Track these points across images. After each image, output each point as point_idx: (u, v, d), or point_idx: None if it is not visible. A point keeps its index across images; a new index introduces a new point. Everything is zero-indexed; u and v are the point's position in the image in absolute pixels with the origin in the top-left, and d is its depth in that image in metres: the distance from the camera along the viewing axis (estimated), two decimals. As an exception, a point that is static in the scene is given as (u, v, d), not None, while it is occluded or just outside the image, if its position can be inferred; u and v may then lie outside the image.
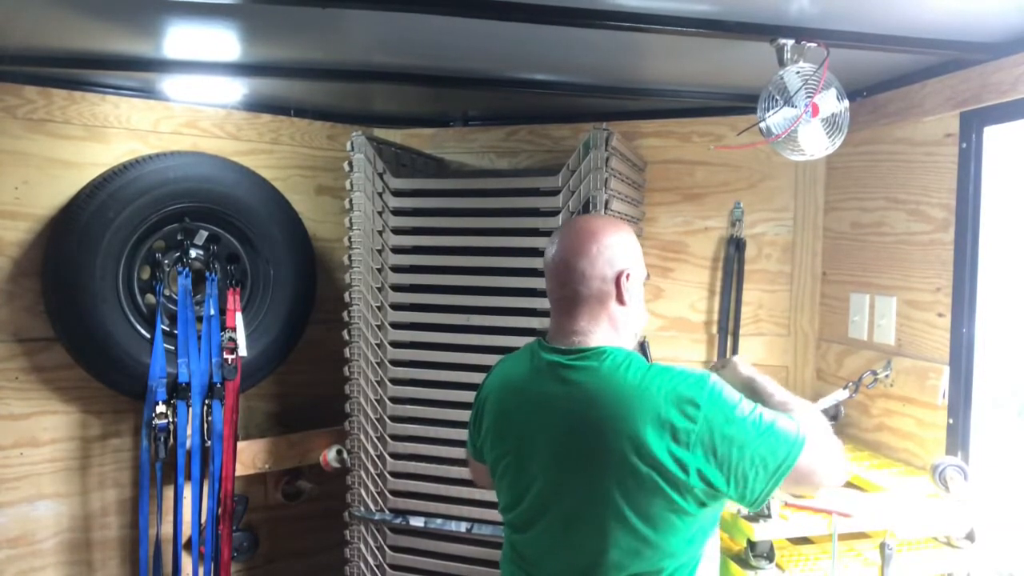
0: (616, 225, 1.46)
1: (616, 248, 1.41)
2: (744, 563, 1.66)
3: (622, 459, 1.28)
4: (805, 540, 1.81)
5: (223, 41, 2.00)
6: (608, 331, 1.40)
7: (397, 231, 2.29)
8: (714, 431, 1.26)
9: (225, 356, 2.50)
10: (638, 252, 1.46)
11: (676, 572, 1.34)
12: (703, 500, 1.29)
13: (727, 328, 2.58)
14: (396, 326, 2.31)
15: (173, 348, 2.44)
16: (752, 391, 1.45)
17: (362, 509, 2.37)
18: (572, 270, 1.40)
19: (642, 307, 1.48)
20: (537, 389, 1.41)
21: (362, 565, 2.39)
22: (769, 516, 1.63)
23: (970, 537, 1.76)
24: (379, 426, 2.34)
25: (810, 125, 1.64)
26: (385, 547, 2.37)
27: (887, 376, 2.11)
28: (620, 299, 1.40)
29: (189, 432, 2.48)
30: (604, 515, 1.31)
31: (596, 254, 1.39)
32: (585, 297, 1.39)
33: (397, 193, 2.28)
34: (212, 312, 2.48)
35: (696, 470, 1.25)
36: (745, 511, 1.65)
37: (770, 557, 1.66)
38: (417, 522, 2.31)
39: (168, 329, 2.44)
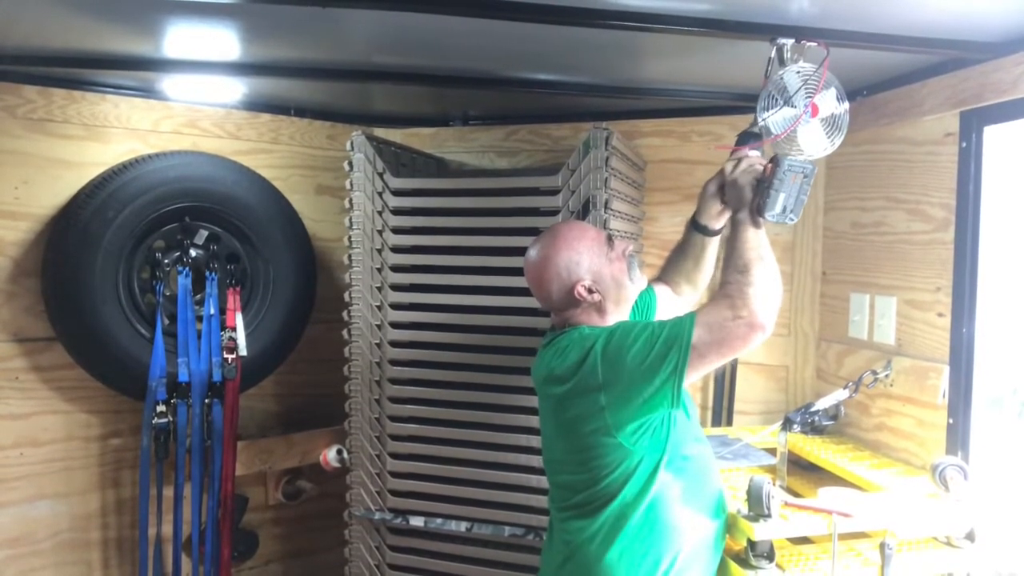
0: (553, 244, 1.62)
1: (560, 269, 1.60)
2: (744, 563, 1.66)
3: None
4: (805, 540, 1.81)
5: (223, 40, 2.00)
6: (593, 317, 1.62)
7: (397, 231, 2.29)
8: None
9: (225, 356, 2.50)
10: (585, 252, 1.60)
11: None
12: None
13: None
14: (396, 326, 2.31)
15: (173, 348, 2.44)
16: None
17: (362, 509, 2.37)
18: (540, 298, 1.66)
19: (623, 281, 1.62)
20: None
21: (361, 565, 2.39)
22: (769, 516, 1.63)
23: (970, 537, 1.76)
24: (379, 425, 2.34)
25: (810, 125, 1.63)
26: (385, 547, 2.36)
27: (887, 376, 2.10)
28: (587, 301, 1.60)
29: (189, 432, 2.48)
30: None
31: (548, 281, 1.61)
32: (562, 309, 1.64)
33: (397, 193, 2.28)
34: (212, 311, 2.49)
35: None
36: (744, 511, 1.65)
37: (770, 557, 1.65)
38: (417, 522, 2.31)
39: (168, 328, 2.44)
